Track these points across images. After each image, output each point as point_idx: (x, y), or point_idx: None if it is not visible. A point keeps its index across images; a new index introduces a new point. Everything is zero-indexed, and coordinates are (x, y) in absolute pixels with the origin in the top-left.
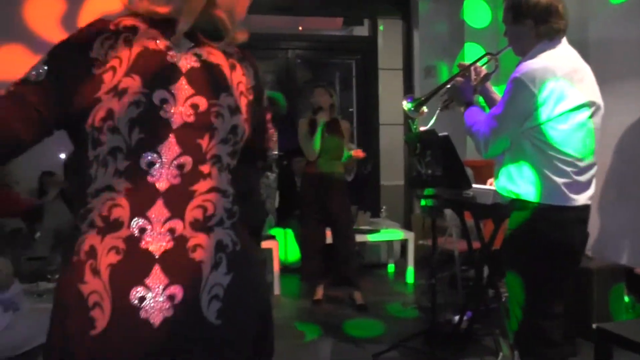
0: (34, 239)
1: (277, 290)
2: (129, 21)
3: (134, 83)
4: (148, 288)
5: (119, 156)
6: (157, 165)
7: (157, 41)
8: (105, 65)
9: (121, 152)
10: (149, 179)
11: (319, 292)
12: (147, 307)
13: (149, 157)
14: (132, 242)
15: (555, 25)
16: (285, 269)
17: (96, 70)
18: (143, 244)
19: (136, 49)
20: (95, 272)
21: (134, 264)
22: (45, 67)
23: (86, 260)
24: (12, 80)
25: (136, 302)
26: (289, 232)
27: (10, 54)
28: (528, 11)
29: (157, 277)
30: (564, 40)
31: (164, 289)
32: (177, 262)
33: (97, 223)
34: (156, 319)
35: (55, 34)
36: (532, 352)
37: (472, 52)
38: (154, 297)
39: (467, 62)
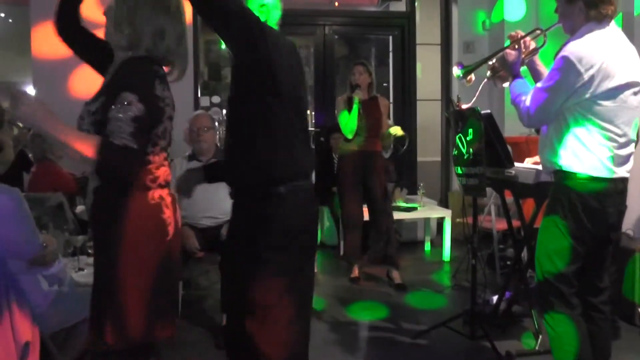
0: (75, 214)
1: (314, 267)
2: (162, 70)
3: (172, 112)
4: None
5: (165, 149)
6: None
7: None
8: (165, 101)
9: (166, 148)
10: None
11: (356, 270)
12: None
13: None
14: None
15: (604, 10)
16: (322, 246)
17: (161, 104)
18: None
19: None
20: (167, 207)
21: (176, 201)
22: (140, 105)
23: (160, 202)
24: (56, 57)
25: (180, 219)
26: (326, 210)
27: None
28: None
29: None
30: (612, 22)
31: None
32: None
33: (161, 182)
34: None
35: (94, 12)
36: (552, 309)
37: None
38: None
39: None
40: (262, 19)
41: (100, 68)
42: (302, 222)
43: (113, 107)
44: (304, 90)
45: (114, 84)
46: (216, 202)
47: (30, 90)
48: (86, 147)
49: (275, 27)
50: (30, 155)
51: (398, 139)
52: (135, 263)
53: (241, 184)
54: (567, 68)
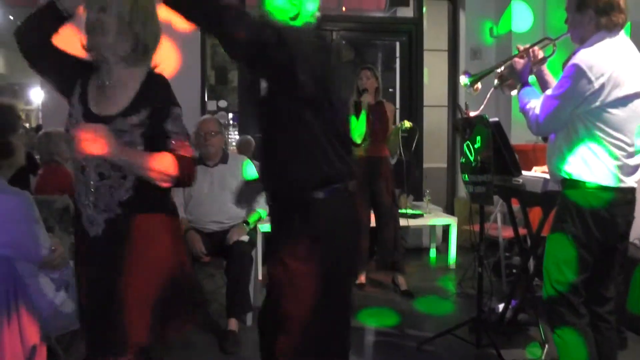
0: None
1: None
2: None
3: None
4: None
5: None
6: None
7: None
8: None
9: None
10: None
11: (362, 277)
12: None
13: None
14: None
15: (615, 18)
16: None
17: None
18: None
19: None
20: None
21: None
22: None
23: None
24: None
25: None
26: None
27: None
28: (591, 2)
29: None
30: (622, 32)
31: None
32: None
33: None
34: None
35: None
36: (562, 322)
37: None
38: None
39: (526, 45)
40: (294, 12)
41: (61, 85)
42: (332, 230)
43: (168, 121)
44: (340, 89)
45: (154, 98)
46: (223, 207)
47: (38, 92)
48: (168, 167)
49: (310, 20)
50: (37, 157)
51: (408, 130)
52: (163, 265)
53: (272, 189)
54: (577, 76)
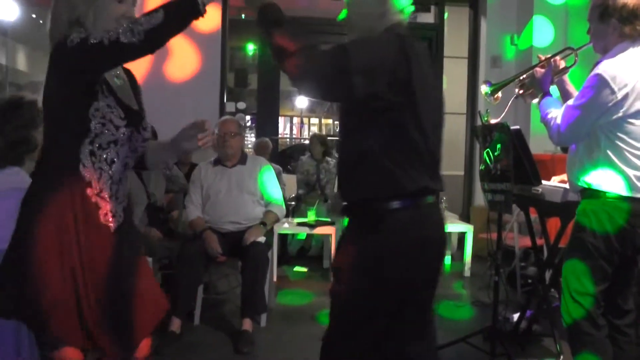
0: None
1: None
2: None
3: None
4: None
5: None
6: None
7: None
8: None
9: None
10: None
11: None
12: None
13: None
14: None
15: (639, 27)
16: None
17: None
18: None
19: None
20: None
21: None
22: None
23: None
24: None
25: None
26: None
27: None
28: (614, 11)
29: None
30: None
31: None
32: None
33: None
34: None
35: None
36: (581, 334)
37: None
38: None
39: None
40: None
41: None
42: (386, 247)
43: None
44: (425, 97)
45: (140, 95)
46: (240, 208)
47: None
48: None
49: (403, 16)
50: None
51: None
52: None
53: (343, 197)
54: (600, 86)
